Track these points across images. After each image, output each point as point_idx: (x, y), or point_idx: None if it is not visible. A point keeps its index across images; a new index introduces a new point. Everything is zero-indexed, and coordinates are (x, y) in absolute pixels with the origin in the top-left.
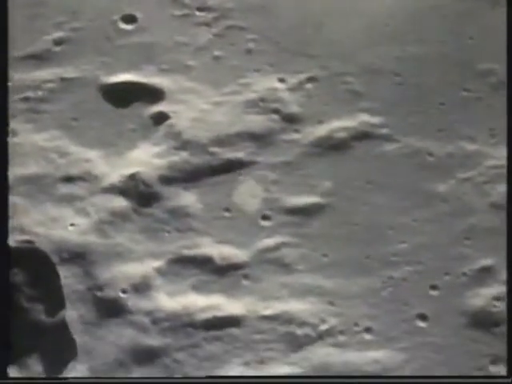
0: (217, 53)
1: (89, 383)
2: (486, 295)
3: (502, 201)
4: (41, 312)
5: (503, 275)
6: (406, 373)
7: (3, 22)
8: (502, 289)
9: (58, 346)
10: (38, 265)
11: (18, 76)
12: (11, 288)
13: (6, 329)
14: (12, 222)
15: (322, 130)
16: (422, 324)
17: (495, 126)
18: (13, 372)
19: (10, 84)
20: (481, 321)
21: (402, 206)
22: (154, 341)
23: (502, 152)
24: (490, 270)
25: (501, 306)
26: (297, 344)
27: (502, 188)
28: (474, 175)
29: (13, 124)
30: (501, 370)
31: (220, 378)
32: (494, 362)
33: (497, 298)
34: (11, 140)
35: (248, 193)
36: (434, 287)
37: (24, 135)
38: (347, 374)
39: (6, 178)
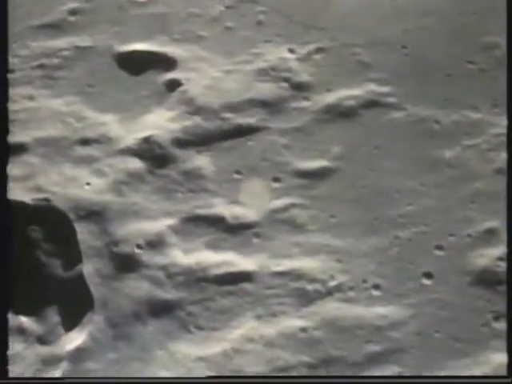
0: (228, 24)
1: (89, 383)
2: (490, 255)
3: (505, 167)
4: (58, 266)
5: (506, 237)
6: (413, 328)
7: (3, 21)
8: (505, 250)
9: (75, 299)
10: (56, 222)
11: (34, 44)
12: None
13: (5, 329)
14: (29, 182)
15: (330, 98)
16: (427, 282)
17: (498, 97)
18: (30, 323)
19: (26, 52)
20: (485, 279)
21: (408, 171)
22: (168, 294)
23: (506, 121)
24: (493, 232)
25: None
26: (307, 299)
27: (506, 155)
28: (478, 143)
29: (29, 90)
30: (503, 326)
31: (220, 378)
32: (497, 318)
33: (500, 258)
34: (28, 104)
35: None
36: (439, 247)
37: (41, 100)
38: (356, 327)
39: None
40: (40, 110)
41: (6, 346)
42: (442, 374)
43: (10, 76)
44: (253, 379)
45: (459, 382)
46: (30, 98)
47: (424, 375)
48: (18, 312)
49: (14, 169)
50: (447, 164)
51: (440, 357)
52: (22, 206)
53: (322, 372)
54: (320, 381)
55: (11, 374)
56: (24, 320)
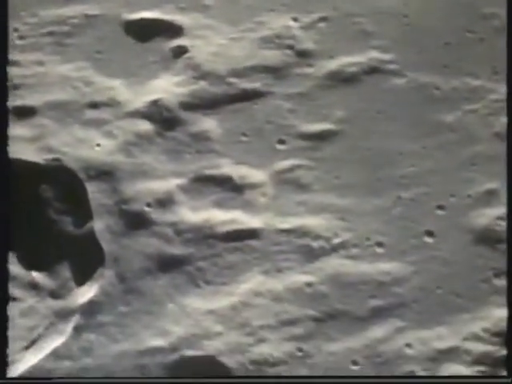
0: None
1: (91, 383)
2: (490, 215)
3: (504, 131)
4: (69, 224)
5: (505, 198)
6: (415, 283)
7: (3, 20)
8: (504, 210)
9: (86, 255)
10: (67, 181)
11: (43, 13)
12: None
13: (4, 329)
14: (40, 143)
15: (333, 65)
16: (429, 240)
17: (497, 65)
18: (42, 278)
19: (35, 20)
20: (485, 238)
21: (410, 134)
22: (177, 250)
23: (505, 88)
24: (493, 193)
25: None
26: (312, 255)
27: (505, 119)
28: (478, 108)
29: (39, 56)
30: (503, 282)
31: (220, 378)
32: (498, 275)
33: (500, 218)
34: (38, 69)
35: None
36: (440, 207)
37: (50, 66)
38: (360, 283)
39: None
40: (49, 75)
41: (5, 346)
42: (443, 329)
43: (19, 42)
44: (253, 379)
45: (459, 382)
46: (40, 63)
47: (424, 375)
48: (30, 268)
49: (24, 130)
50: (448, 128)
51: (441, 312)
52: (33, 166)
53: (327, 325)
54: (321, 381)
55: (23, 327)
56: (36, 275)
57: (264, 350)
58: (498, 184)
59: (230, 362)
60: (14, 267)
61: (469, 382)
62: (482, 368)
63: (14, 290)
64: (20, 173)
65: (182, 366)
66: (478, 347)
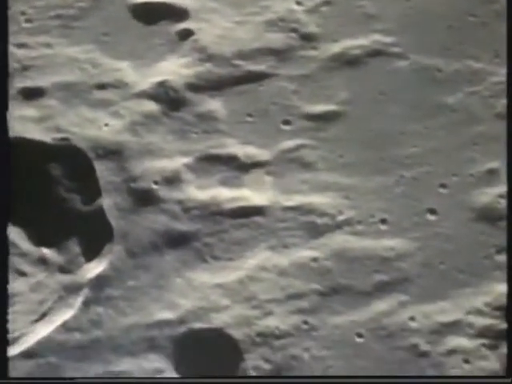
0: None
1: (88, 383)
2: (491, 193)
3: (505, 112)
4: (78, 201)
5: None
6: (418, 259)
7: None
8: (505, 188)
9: (95, 231)
10: (75, 160)
11: None
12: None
13: (5, 329)
14: (48, 123)
15: (337, 48)
16: (432, 217)
17: (499, 48)
18: (51, 254)
19: (43, 3)
20: (486, 215)
21: (413, 115)
22: (184, 226)
23: (506, 70)
24: (494, 172)
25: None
26: (317, 231)
27: (506, 101)
28: (480, 89)
29: (46, 38)
30: (505, 258)
31: (220, 378)
32: (499, 251)
33: (501, 196)
34: (45, 51)
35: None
36: (443, 186)
37: (58, 48)
38: (364, 258)
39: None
40: (57, 57)
41: (5, 347)
42: (446, 303)
43: (26, 25)
44: (253, 379)
45: (459, 382)
46: (47, 45)
47: (424, 375)
48: (39, 244)
49: (32, 111)
50: (450, 109)
51: (444, 286)
52: (42, 145)
53: (332, 299)
54: (320, 381)
55: (33, 301)
56: (45, 251)
57: (270, 323)
58: (499, 163)
59: (237, 334)
60: (24, 243)
61: (469, 382)
62: (484, 341)
63: (23, 266)
64: (28, 151)
65: (189, 339)
66: (481, 321)
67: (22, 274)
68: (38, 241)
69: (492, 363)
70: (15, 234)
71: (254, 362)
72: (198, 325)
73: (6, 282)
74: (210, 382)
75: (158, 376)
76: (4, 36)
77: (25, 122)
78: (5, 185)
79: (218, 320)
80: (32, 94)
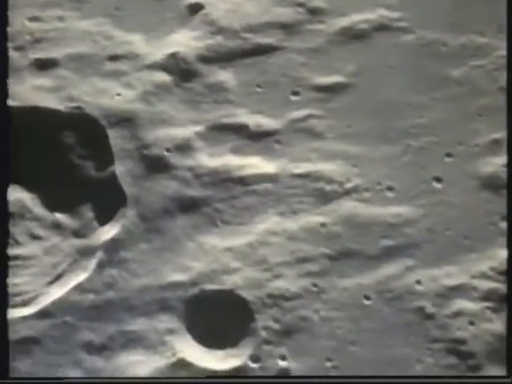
0: None
1: (89, 383)
2: (496, 163)
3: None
4: (91, 168)
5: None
6: (425, 226)
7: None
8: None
9: (108, 196)
10: (88, 128)
11: None
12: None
13: (5, 329)
14: (62, 93)
15: (344, 22)
16: (438, 185)
17: (503, 23)
18: (65, 219)
19: None
20: (491, 184)
21: (419, 87)
22: (196, 192)
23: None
24: (499, 142)
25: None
26: (326, 198)
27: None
28: (484, 63)
29: (58, 11)
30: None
31: (220, 378)
32: (503, 218)
33: (504, 166)
34: (58, 25)
35: None
36: (448, 155)
37: (70, 21)
38: (372, 224)
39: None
40: (69, 30)
41: (6, 347)
42: (452, 267)
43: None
44: (253, 379)
45: (461, 382)
46: (60, 19)
47: (424, 375)
48: (53, 209)
49: (46, 81)
50: (455, 82)
51: (450, 252)
52: (55, 113)
53: (341, 263)
54: (320, 381)
55: (47, 264)
56: (59, 216)
57: (280, 285)
58: (503, 134)
59: (247, 295)
60: (38, 209)
61: (469, 382)
62: (488, 304)
63: (37, 230)
64: (43, 120)
65: (201, 300)
66: (485, 284)
67: (37, 237)
68: (52, 206)
69: (496, 325)
70: (29, 199)
71: (264, 323)
72: (209, 286)
73: (6, 285)
74: (210, 382)
75: (170, 337)
76: (4, 36)
77: (39, 92)
78: (4, 152)
79: (229, 282)
80: (45, 65)
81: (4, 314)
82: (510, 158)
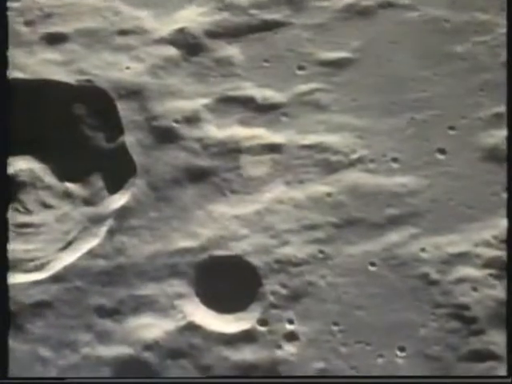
0: None
1: (89, 383)
2: (498, 135)
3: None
4: (101, 139)
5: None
6: (429, 195)
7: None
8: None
9: (118, 166)
10: (98, 100)
11: None
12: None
13: (5, 329)
14: (72, 66)
15: None
16: (441, 157)
17: (505, 1)
18: (75, 188)
19: None
20: (493, 156)
21: (423, 63)
22: (204, 162)
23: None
24: (500, 116)
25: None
26: (331, 168)
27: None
28: (487, 39)
29: None
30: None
31: (220, 378)
32: (505, 189)
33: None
34: (67, 0)
35: None
36: (451, 128)
37: None
38: (377, 193)
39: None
40: (78, 6)
41: (6, 347)
42: (455, 236)
43: None
44: (254, 379)
45: (460, 382)
46: None
47: (424, 375)
48: (63, 179)
49: (56, 55)
50: (458, 57)
51: (453, 221)
52: (66, 86)
53: (346, 230)
54: (320, 381)
55: (58, 231)
56: (70, 186)
57: (288, 252)
58: (505, 108)
59: (255, 261)
60: (49, 178)
61: (469, 382)
62: (491, 271)
63: (48, 199)
64: (53, 92)
65: (210, 265)
66: (488, 252)
67: (48, 206)
68: (63, 176)
69: (498, 291)
70: (40, 169)
71: (272, 287)
72: (218, 252)
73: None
74: (211, 382)
75: (179, 301)
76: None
77: (49, 65)
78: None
79: (238, 248)
80: (55, 40)
81: (4, 312)
82: (510, 132)
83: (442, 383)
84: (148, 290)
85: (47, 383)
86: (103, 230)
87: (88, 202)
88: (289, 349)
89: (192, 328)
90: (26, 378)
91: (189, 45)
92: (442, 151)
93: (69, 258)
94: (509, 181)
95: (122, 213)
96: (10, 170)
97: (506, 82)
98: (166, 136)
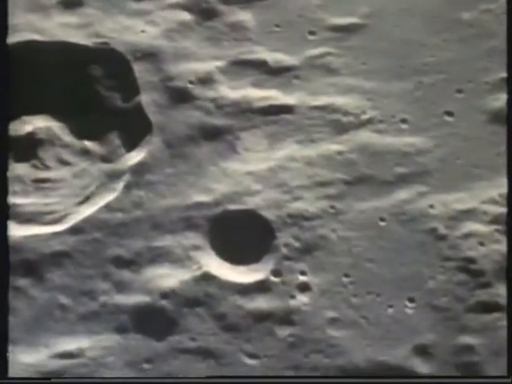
0: None
1: (91, 383)
2: (504, 99)
3: None
4: (118, 98)
5: None
6: (437, 155)
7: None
8: None
9: (134, 125)
10: (114, 62)
11: None
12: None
13: (5, 329)
14: (89, 29)
15: None
16: (449, 119)
17: None
18: (92, 146)
19: None
20: (499, 118)
21: (431, 29)
22: (218, 121)
23: None
24: (507, 81)
25: None
26: (342, 129)
27: None
28: (493, 7)
29: None
30: None
31: (220, 378)
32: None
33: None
34: None
35: None
36: (459, 91)
37: None
38: (386, 153)
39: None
40: None
41: (6, 347)
42: (463, 194)
43: None
44: (253, 379)
45: (460, 382)
46: None
47: (424, 375)
48: (81, 138)
49: (72, 19)
50: (466, 24)
51: (461, 179)
52: (82, 48)
53: (357, 187)
54: (320, 381)
55: (76, 186)
56: (87, 143)
57: (300, 206)
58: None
59: (269, 215)
60: (67, 137)
61: (469, 382)
62: (497, 227)
63: (66, 156)
64: (70, 54)
65: (224, 219)
66: (495, 209)
67: (66, 163)
68: (81, 134)
69: (505, 246)
70: (58, 128)
71: (285, 240)
72: (232, 206)
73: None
74: (211, 382)
75: (195, 252)
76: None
77: (66, 29)
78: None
79: (251, 202)
80: (72, 4)
81: (4, 312)
82: (510, 96)
83: (442, 383)
84: (164, 241)
85: (47, 383)
86: (120, 184)
87: (105, 159)
88: (302, 299)
89: (207, 278)
90: (26, 377)
91: (202, 10)
92: (449, 113)
93: (87, 211)
94: (508, 141)
95: (139, 169)
96: (29, 127)
97: (506, 48)
98: (180, 96)
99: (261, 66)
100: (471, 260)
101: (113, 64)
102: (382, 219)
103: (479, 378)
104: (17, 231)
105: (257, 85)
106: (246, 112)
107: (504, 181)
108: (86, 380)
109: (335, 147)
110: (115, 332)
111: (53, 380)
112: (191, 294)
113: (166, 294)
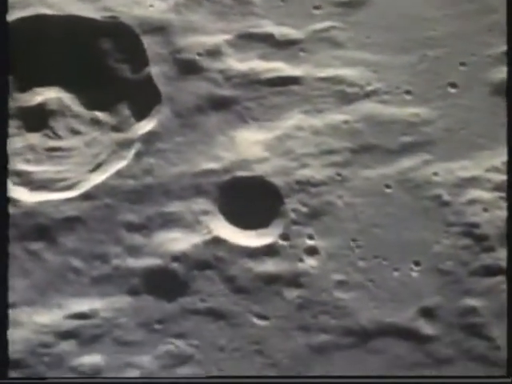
0: None
1: (90, 383)
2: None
3: None
4: (127, 70)
5: None
6: (441, 125)
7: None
8: None
9: (144, 95)
10: (123, 35)
11: None
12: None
13: (5, 329)
14: (97, 4)
15: None
16: (452, 90)
17: None
18: (103, 116)
19: None
20: (502, 90)
21: (434, 3)
22: (226, 92)
23: None
24: (507, 54)
25: None
26: (347, 99)
27: None
28: None
29: None
30: None
31: (220, 378)
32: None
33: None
34: None
35: None
36: (462, 64)
37: None
38: (391, 122)
39: None
40: None
41: (6, 347)
42: (467, 162)
43: None
44: (252, 379)
45: (460, 382)
46: None
47: (424, 375)
48: (91, 108)
49: None
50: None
51: (465, 148)
52: (92, 21)
53: (362, 155)
54: (320, 381)
55: (88, 155)
56: (98, 114)
57: (307, 173)
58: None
59: (277, 181)
60: (78, 108)
61: (469, 382)
62: (501, 194)
63: (77, 126)
64: (80, 27)
65: (233, 185)
66: (498, 177)
67: (77, 132)
68: (91, 105)
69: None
70: (69, 99)
71: (292, 205)
72: (240, 173)
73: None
74: (211, 382)
75: (205, 217)
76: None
77: (75, 3)
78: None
79: (259, 170)
80: None
81: (4, 311)
82: (510, 69)
83: (443, 383)
84: (174, 207)
85: (47, 383)
86: (131, 152)
87: (116, 128)
88: (310, 262)
89: (217, 242)
90: (26, 378)
91: None
92: (453, 85)
93: (98, 178)
94: (509, 113)
95: (149, 137)
96: (40, 98)
97: (507, 23)
98: (189, 68)
99: (267, 40)
100: (475, 225)
101: (122, 37)
102: (388, 186)
103: (479, 378)
104: (30, 197)
105: (264, 57)
106: (254, 83)
107: (505, 150)
108: (86, 380)
109: (341, 117)
110: (127, 294)
111: (53, 380)
112: (201, 257)
113: (176, 257)
